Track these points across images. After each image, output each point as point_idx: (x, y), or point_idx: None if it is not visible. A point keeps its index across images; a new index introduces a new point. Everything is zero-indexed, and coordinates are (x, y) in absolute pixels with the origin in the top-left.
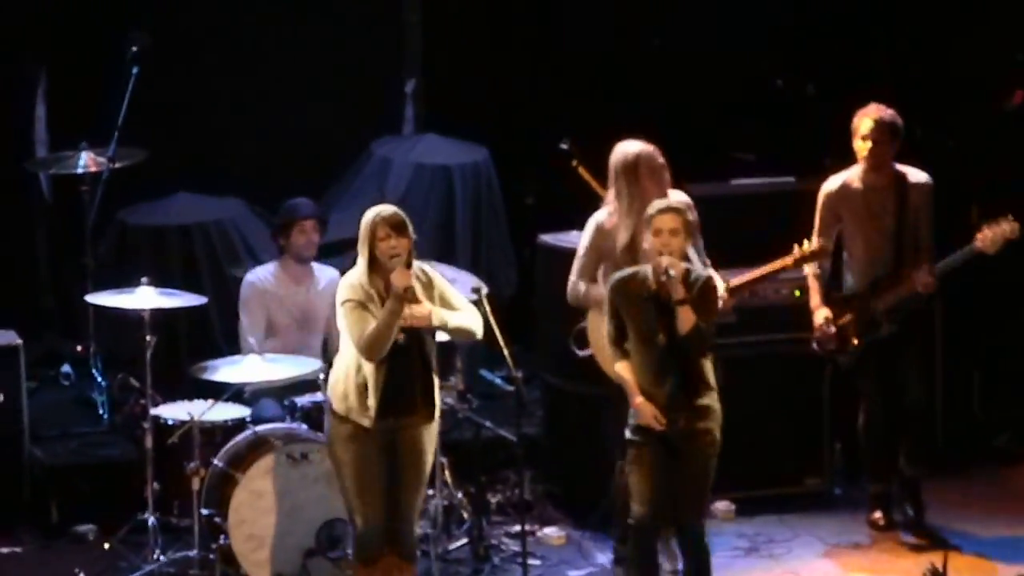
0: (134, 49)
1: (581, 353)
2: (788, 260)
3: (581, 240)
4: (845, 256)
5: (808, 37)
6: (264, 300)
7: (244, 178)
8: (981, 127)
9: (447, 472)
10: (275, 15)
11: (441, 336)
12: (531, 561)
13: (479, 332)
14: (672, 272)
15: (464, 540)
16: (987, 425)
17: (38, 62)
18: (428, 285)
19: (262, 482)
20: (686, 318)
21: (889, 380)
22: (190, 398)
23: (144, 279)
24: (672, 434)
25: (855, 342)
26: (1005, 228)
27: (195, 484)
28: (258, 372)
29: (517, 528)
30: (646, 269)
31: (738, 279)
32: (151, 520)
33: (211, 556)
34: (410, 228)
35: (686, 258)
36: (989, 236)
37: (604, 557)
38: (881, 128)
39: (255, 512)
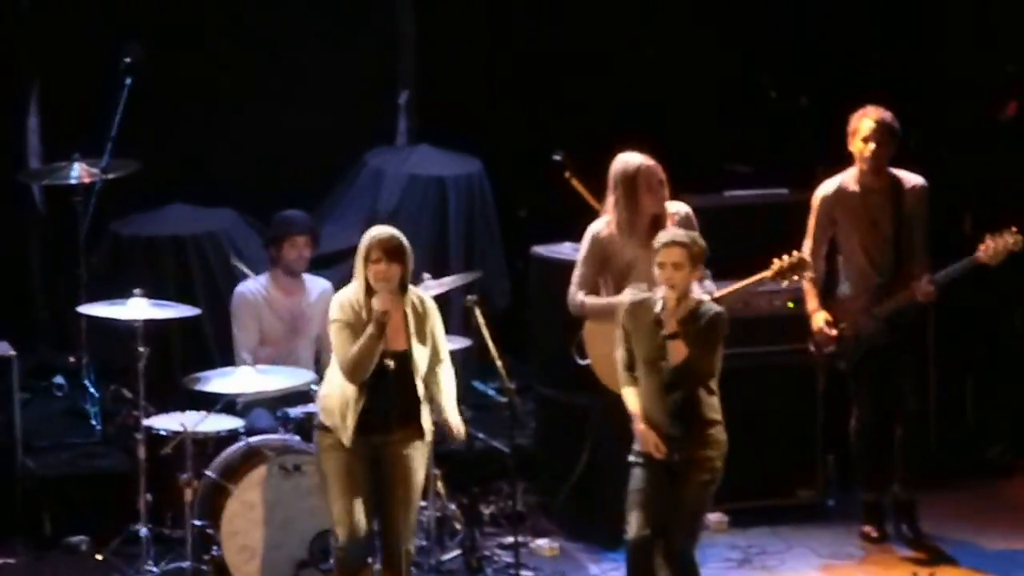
0: (127, 60)
1: (582, 362)
2: (768, 272)
3: (580, 250)
4: (840, 261)
5: (801, 48)
6: (256, 311)
7: (238, 189)
8: (975, 137)
9: (440, 483)
10: (269, 27)
11: None
12: (524, 572)
13: (450, 370)
14: (661, 307)
15: (457, 551)
16: (980, 437)
17: (31, 73)
18: (423, 317)
19: (255, 493)
20: (676, 351)
21: (883, 389)
22: (183, 409)
23: (137, 290)
24: (671, 462)
25: (854, 345)
26: (1008, 240)
27: (188, 495)
28: (251, 383)
29: (510, 539)
30: (656, 295)
31: (719, 292)
32: (144, 531)
33: (204, 567)
34: (407, 255)
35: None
36: (992, 248)
37: (597, 568)
38: (882, 129)
39: (248, 523)
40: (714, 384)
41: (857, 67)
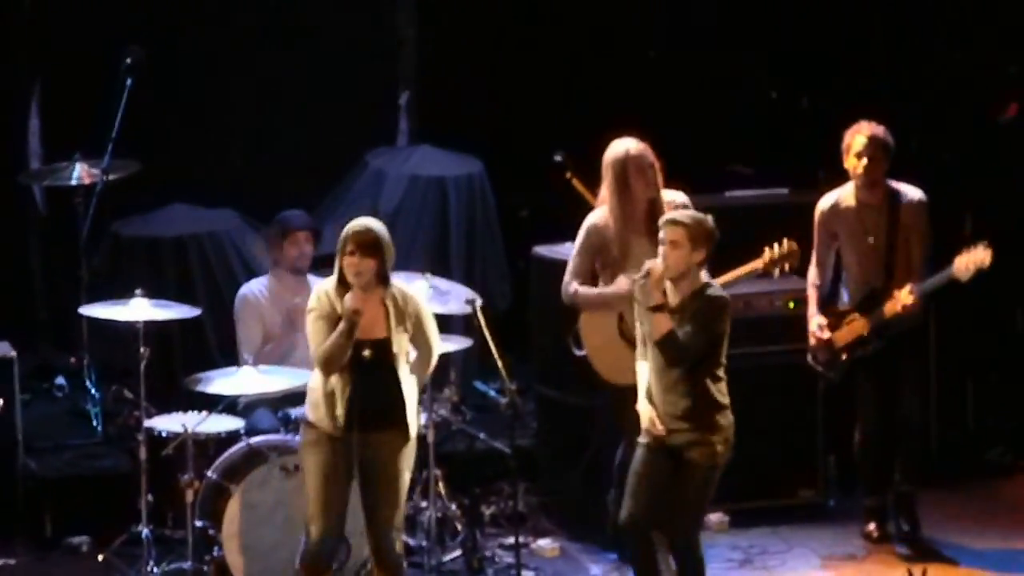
0: (128, 61)
1: (578, 352)
2: (759, 263)
3: (576, 241)
4: (843, 273)
5: (802, 50)
6: (259, 312)
7: (239, 190)
8: (975, 139)
9: (441, 484)
10: (270, 27)
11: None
12: (525, 573)
13: (430, 368)
14: (645, 278)
15: (458, 552)
16: (980, 438)
17: (32, 74)
18: (402, 309)
19: (256, 494)
20: (658, 325)
21: (884, 393)
22: (184, 410)
23: (138, 291)
24: (672, 443)
25: (843, 358)
26: (979, 256)
27: (189, 496)
28: (252, 384)
29: (511, 540)
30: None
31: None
32: (145, 532)
33: (205, 568)
34: (384, 248)
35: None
36: (963, 263)
37: (597, 568)
38: (875, 144)
39: (249, 524)
40: (722, 370)
41: (858, 68)
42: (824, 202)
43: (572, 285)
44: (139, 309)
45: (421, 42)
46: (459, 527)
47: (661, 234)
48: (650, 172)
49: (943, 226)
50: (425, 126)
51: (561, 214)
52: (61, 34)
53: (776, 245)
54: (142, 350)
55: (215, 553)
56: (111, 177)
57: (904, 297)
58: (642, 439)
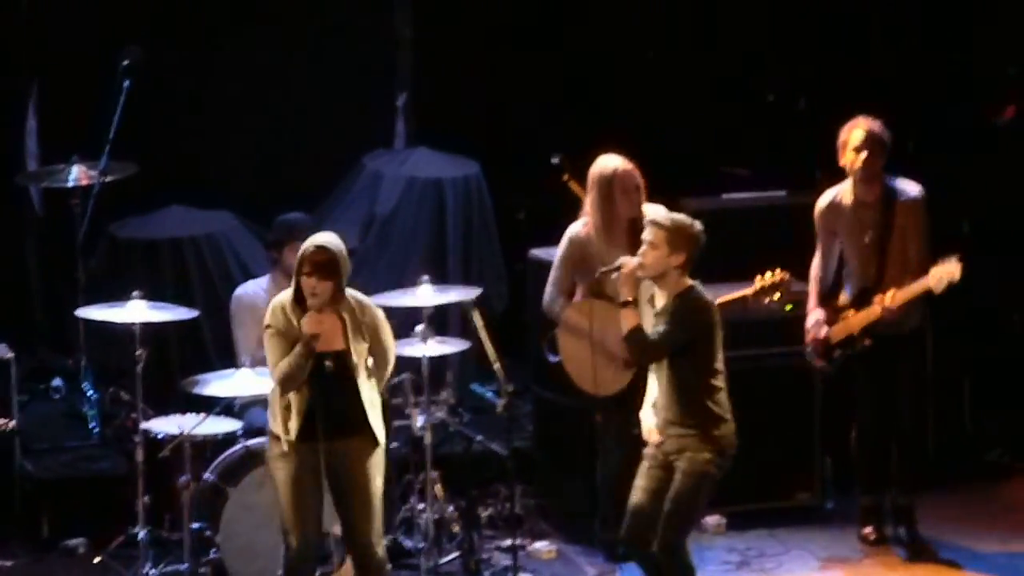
0: (125, 62)
1: (552, 359)
2: (749, 291)
3: (557, 251)
4: (844, 269)
5: (799, 51)
6: (255, 313)
7: (236, 191)
8: (973, 140)
9: (438, 486)
10: (267, 29)
11: (432, 351)
12: (522, 575)
13: (388, 373)
14: (616, 271)
15: (455, 554)
16: (978, 439)
17: (30, 75)
18: (359, 320)
19: (253, 496)
20: (625, 320)
21: (881, 394)
22: (181, 412)
23: (135, 293)
24: (664, 450)
25: (836, 353)
26: (950, 269)
27: (186, 498)
28: (249, 386)
29: (508, 542)
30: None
31: None
32: (142, 534)
33: (202, 570)
34: (341, 267)
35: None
36: (935, 276)
37: (594, 571)
38: (872, 138)
39: (246, 526)
40: (717, 380)
41: (855, 70)
42: (822, 200)
43: (558, 303)
44: (136, 311)
45: (418, 44)
46: (456, 529)
47: (644, 234)
48: (635, 194)
49: (941, 227)
50: (422, 128)
51: (558, 216)
52: (58, 35)
53: (768, 273)
54: (139, 352)
55: (212, 555)
56: (108, 179)
57: (887, 301)
58: (646, 451)
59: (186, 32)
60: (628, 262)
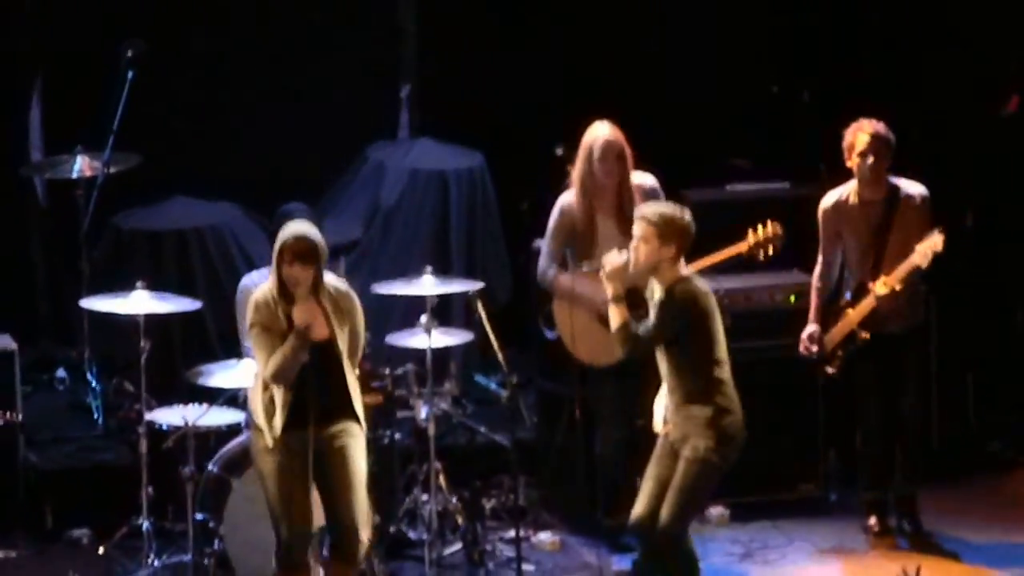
0: (129, 53)
1: (550, 334)
2: (743, 246)
3: (549, 222)
4: (845, 270)
5: (803, 44)
6: None
7: (239, 183)
8: (976, 132)
9: (441, 477)
10: (270, 20)
11: (436, 342)
12: (525, 566)
13: (359, 357)
14: (604, 268)
15: (458, 545)
16: (982, 432)
17: (34, 66)
18: (339, 306)
19: (257, 487)
20: (614, 315)
21: (885, 388)
22: (185, 403)
23: (139, 284)
24: (670, 439)
25: (839, 354)
26: (933, 240)
27: (190, 489)
28: (253, 376)
29: (511, 533)
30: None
31: (693, 264)
32: (145, 525)
33: (205, 561)
34: (320, 255)
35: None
36: (920, 252)
37: (598, 561)
38: (878, 141)
39: (249, 517)
40: (719, 370)
41: (858, 62)
42: (827, 201)
43: (551, 271)
44: (140, 302)
45: (421, 35)
46: (460, 520)
47: (633, 228)
48: (614, 163)
49: (944, 220)
50: (426, 119)
51: None
52: (62, 26)
53: (760, 227)
54: (143, 343)
55: (215, 546)
56: (112, 170)
57: (878, 288)
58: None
59: (190, 23)
60: (612, 259)
